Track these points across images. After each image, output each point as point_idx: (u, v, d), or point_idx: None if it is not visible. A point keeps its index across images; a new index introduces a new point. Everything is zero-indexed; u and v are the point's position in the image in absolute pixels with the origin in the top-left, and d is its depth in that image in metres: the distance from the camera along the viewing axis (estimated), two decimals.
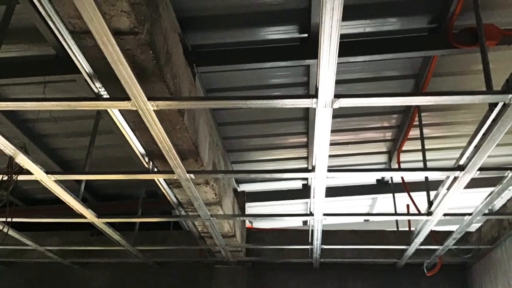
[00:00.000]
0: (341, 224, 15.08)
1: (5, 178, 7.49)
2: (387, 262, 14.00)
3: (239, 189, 13.92)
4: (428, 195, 9.54)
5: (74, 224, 12.55)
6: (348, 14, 7.55)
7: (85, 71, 5.70)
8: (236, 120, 10.72)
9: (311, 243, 12.15)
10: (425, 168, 9.00)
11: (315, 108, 5.56)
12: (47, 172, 7.89)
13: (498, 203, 11.23)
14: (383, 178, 13.96)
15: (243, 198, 12.98)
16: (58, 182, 8.32)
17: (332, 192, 13.36)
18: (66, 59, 6.81)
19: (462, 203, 12.08)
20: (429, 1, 7.64)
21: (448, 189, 8.34)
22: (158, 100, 5.53)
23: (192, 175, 7.75)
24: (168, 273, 14.60)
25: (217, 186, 8.96)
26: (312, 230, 11.19)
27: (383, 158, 12.87)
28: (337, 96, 5.30)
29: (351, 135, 11.55)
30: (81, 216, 9.91)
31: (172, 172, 7.60)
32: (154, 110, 5.72)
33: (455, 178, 7.87)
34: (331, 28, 4.21)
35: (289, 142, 11.77)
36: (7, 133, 7.56)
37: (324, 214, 9.75)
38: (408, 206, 11.95)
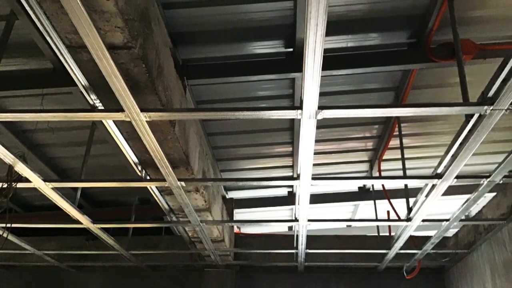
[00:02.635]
0: (325, 230, 15.10)
1: (5, 185, 7.46)
2: (369, 266, 14.01)
3: (227, 196, 13.90)
4: (408, 202, 9.55)
5: (70, 229, 12.48)
6: (332, 29, 7.56)
7: (81, 83, 5.69)
8: (225, 131, 10.70)
9: (296, 248, 12.13)
10: (405, 176, 9.01)
11: (300, 119, 5.56)
12: (45, 180, 7.87)
13: (474, 210, 11.28)
14: (364, 185, 13.96)
15: (231, 205, 12.97)
16: (55, 189, 8.29)
17: (316, 199, 13.42)
18: (63, 72, 6.81)
19: (440, 209, 12.11)
20: (408, 17, 7.66)
21: (426, 196, 8.36)
22: (150, 111, 5.53)
23: (183, 183, 7.73)
24: (160, 276, 14.56)
25: (207, 193, 8.94)
26: (297, 235, 11.19)
27: (364, 167, 12.88)
28: (321, 107, 5.31)
29: (334, 144, 11.56)
30: (77, 222, 9.87)
31: (164, 180, 7.59)
32: (146, 121, 5.71)
33: (433, 186, 7.89)
34: (315, 43, 4.21)
35: (275, 151, 11.77)
36: (6, 143, 7.55)
37: (309, 220, 9.74)
38: (388, 212, 11.96)
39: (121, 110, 5.50)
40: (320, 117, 5.48)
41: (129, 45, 4.60)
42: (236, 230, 14.34)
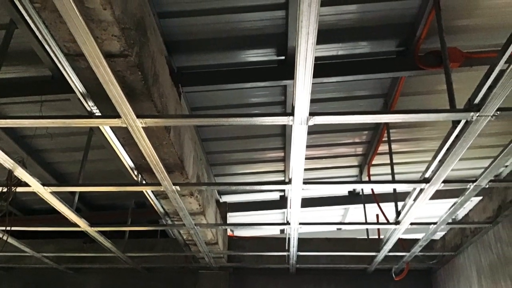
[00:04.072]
0: (315, 233, 15.07)
1: (5, 189, 7.45)
2: (359, 268, 14.01)
3: (221, 200, 13.88)
4: (396, 206, 9.55)
5: (68, 232, 12.44)
6: (322, 38, 7.59)
7: (79, 91, 5.67)
8: (219, 136, 10.69)
9: (288, 250, 12.13)
10: (393, 181, 8.99)
11: (291, 125, 5.56)
12: (43, 184, 7.85)
13: (461, 213, 11.27)
14: (354, 190, 13.93)
15: (225, 208, 12.99)
16: (54, 193, 8.27)
17: (307, 202, 13.41)
18: (61, 79, 6.80)
19: (427, 213, 12.09)
20: (397, 26, 7.66)
21: (414, 200, 8.36)
22: (146, 117, 5.52)
23: (177, 187, 7.72)
24: (156, 277, 14.55)
25: (201, 197, 8.92)
26: (289, 238, 11.18)
27: (354, 172, 12.86)
28: (312, 114, 5.31)
29: (325, 150, 11.55)
30: (75, 225, 9.85)
31: (159, 184, 7.57)
32: (142, 127, 5.70)
33: (421, 190, 7.89)
34: (307, 51, 4.21)
35: (268, 156, 11.76)
36: (6, 148, 7.54)
37: (300, 223, 9.74)
38: (377, 215, 11.97)
39: (117, 116, 5.49)
40: (311, 123, 5.48)
41: (126, 53, 4.59)
42: (229, 233, 14.34)
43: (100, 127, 6.26)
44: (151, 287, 14.46)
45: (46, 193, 8.16)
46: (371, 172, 11.69)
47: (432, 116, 5.73)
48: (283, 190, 13.88)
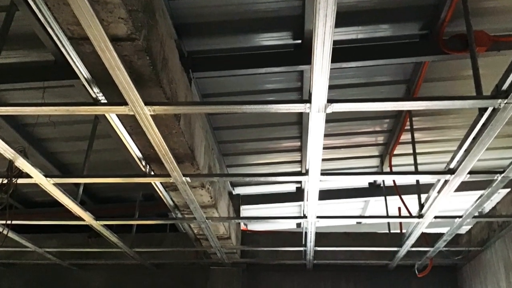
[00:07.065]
0: (334, 227, 15.06)
1: (5, 181, 7.47)
2: (379, 264, 14.00)
3: (234, 192, 13.92)
4: (419, 198, 9.53)
5: (72, 226, 12.47)
6: (341, 20, 7.55)
7: (83, 76, 5.69)
8: (231, 125, 10.72)
9: (305, 245, 12.13)
10: (416, 172, 8.99)
11: (308, 113, 5.56)
12: (46, 176, 7.88)
13: (488, 206, 11.23)
14: (375, 181, 13.96)
15: (238, 201, 13.03)
16: (57, 185, 8.30)
17: (325, 195, 13.35)
18: (64, 64, 6.79)
19: (452, 205, 12.07)
20: (420, 8, 7.64)
21: (438, 192, 8.34)
22: (154, 105, 5.53)
23: (188, 179, 7.74)
24: (165, 274, 14.58)
25: (213, 189, 8.94)
26: (306, 232, 11.18)
27: (375, 162, 12.87)
28: (330, 101, 5.30)
29: (343, 139, 11.55)
30: (80, 218, 9.88)
31: (168, 175, 7.59)
32: (151, 115, 5.71)
33: (446, 181, 7.87)
34: (324, 35, 4.21)
35: (283, 146, 11.77)
36: (7, 137, 7.55)
37: (317, 217, 9.73)
38: (399, 208, 11.97)
39: (124, 103, 5.50)
40: (329, 110, 5.47)
41: (133, 37, 4.60)
42: (243, 227, 14.37)
43: (106, 115, 6.28)
44: (159, 284, 14.50)
45: (48, 184, 8.19)
46: (392, 163, 11.68)
47: (457, 103, 5.72)
48: (300, 182, 13.88)
